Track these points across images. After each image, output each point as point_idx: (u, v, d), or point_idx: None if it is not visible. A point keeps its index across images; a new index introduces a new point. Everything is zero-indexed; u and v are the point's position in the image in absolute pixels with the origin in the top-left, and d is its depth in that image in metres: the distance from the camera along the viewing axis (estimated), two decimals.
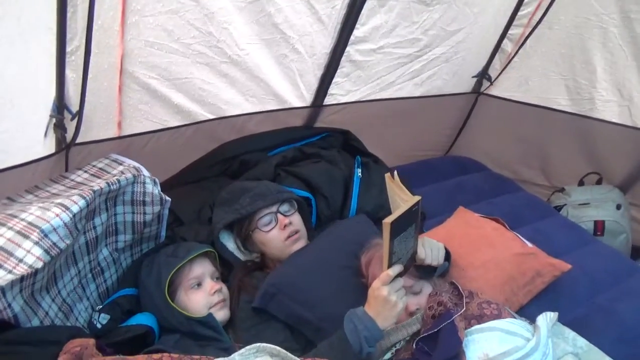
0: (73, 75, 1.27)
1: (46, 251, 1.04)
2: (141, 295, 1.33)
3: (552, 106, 2.20)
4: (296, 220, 1.50)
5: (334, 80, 1.85)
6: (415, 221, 1.15)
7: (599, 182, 2.35)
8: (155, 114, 1.56)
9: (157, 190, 1.34)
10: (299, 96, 1.84)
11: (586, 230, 2.15)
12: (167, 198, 1.37)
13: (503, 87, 2.31)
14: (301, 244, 1.47)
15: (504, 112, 2.35)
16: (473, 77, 2.27)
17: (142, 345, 1.21)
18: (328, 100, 1.92)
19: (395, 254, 1.10)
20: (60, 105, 1.30)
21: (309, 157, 1.80)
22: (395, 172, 1.25)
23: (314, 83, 1.83)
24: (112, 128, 1.50)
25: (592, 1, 1.91)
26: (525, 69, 2.19)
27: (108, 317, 1.26)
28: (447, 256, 1.37)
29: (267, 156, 1.80)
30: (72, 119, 1.34)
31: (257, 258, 1.52)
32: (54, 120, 1.31)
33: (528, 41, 2.10)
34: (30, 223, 1.06)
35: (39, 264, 1.02)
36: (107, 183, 1.23)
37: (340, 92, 1.91)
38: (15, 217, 1.08)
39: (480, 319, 1.21)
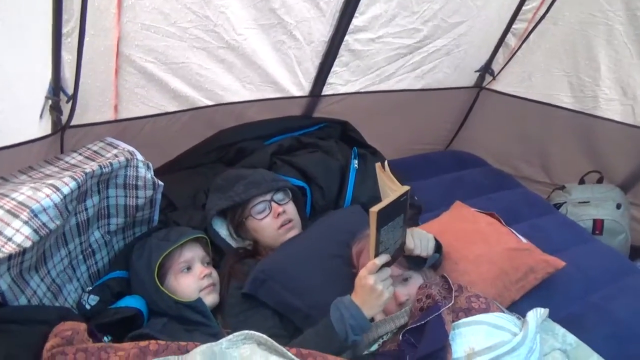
0: (69, 57, 1.27)
1: (35, 231, 1.04)
2: (131, 278, 1.34)
3: (554, 103, 2.17)
4: (290, 209, 1.49)
5: (332, 70, 1.83)
6: (404, 211, 1.15)
7: (599, 180, 2.33)
8: (151, 98, 1.56)
9: (149, 174, 1.34)
10: (296, 84, 1.83)
11: (585, 228, 2.13)
12: (160, 182, 1.37)
13: (505, 82, 2.28)
14: (294, 232, 1.47)
15: (506, 107, 2.33)
16: (476, 71, 2.25)
17: (131, 328, 1.22)
18: (327, 90, 1.91)
19: (382, 243, 1.09)
20: (56, 87, 1.30)
21: (305, 146, 1.79)
22: (386, 163, 1.24)
23: (312, 71, 1.82)
24: (109, 111, 1.50)
25: None
26: (529, 64, 2.16)
27: (97, 298, 1.27)
28: (439, 248, 1.36)
29: (263, 145, 1.80)
30: (67, 101, 1.34)
31: (249, 245, 1.52)
32: (49, 102, 1.31)
33: (532, 36, 2.08)
34: (20, 202, 1.07)
35: (28, 244, 1.02)
36: (100, 166, 1.23)
37: (339, 81, 1.90)
38: (6, 196, 1.08)
39: (468, 312, 1.21)
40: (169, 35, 1.43)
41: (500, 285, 1.51)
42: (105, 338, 1.12)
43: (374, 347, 1.22)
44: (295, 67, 1.75)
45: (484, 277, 1.50)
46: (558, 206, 2.31)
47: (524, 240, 1.66)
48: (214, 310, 1.34)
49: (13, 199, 1.07)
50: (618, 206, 2.23)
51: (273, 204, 1.46)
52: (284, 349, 0.95)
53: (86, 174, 1.19)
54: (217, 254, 1.48)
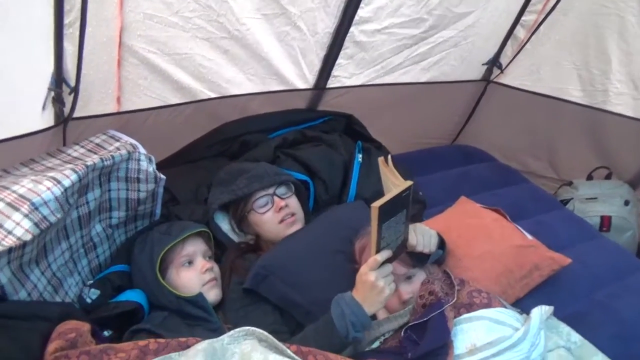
0: (71, 48, 1.26)
1: (36, 224, 1.04)
2: (133, 272, 1.33)
3: (563, 97, 2.14)
4: (293, 203, 1.48)
5: (337, 62, 1.81)
6: (406, 207, 1.13)
7: (608, 177, 2.29)
8: (154, 90, 1.55)
9: (151, 168, 1.33)
10: (301, 76, 1.80)
11: (591, 225, 2.10)
12: (162, 176, 1.36)
13: (513, 76, 2.25)
14: (297, 227, 1.45)
15: (514, 101, 2.29)
16: (483, 64, 2.21)
17: (131, 322, 1.22)
18: (332, 83, 1.88)
19: (384, 239, 1.08)
20: (58, 78, 1.29)
21: (309, 140, 1.77)
22: (389, 157, 1.22)
23: (316, 64, 1.79)
24: (111, 103, 1.49)
25: None
26: (537, 56, 2.12)
27: (98, 292, 1.26)
28: (442, 244, 1.34)
29: (267, 138, 1.78)
30: (70, 93, 1.33)
31: (251, 240, 1.51)
32: (52, 93, 1.30)
33: (541, 28, 2.03)
34: (21, 195, 1.06)
35: (28, 237, 1.02)
36: (101, 158, 1.22)
37: (344, 74, 1.87)
38: (7, 188, 1.08)
39: (470, 307, 1.20)
40: (172, 25, 1.42)
41: (504, 283, 1.50)
42: (105, 332, 1.12)
43: (376, 344, 1.21)
44: (299, 59, 1.73)
45: (488, 274, 1.49)
46: (565, 202, 2.28)
47: (529, 236, 1.64)
48: (215, 305, 1.33)
49: (14, 191, 1.07)
50: (626, 203, 2.20)
51: (275, 197, 1.45)
52: (284, 347, 0.94)
53: (87, 166, 1.18)
54: (218, 249, 1.47)
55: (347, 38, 1.73)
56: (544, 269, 1.56)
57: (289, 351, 0.93)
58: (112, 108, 1.49)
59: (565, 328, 1.39)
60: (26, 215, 1.03)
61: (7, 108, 1.19)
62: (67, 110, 1.35)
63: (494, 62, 2.20)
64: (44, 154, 1.33)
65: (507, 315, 1.21)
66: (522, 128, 2.37)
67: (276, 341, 0.95)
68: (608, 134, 2.16)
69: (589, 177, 2.32)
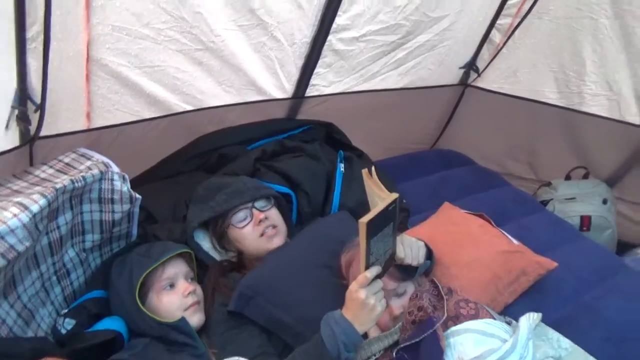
0: (36, 64, 1.19)
1: (2, 255, 0.97)
2: (111, 298, 1.26)
3: (540, 99, 2.15)
4: (273, 215, 1.44)
5: (315, 71, 1.78)
6: (393, 220, 1.10)
7: (585, 176, 2.32)
8: (126, 104, 1.48)
9: (126, 187, 1.27)
10: (279, 87, 1.76)
11: (572, 226, 2.12)
12: (137, 196, 1.30)
13: (490, 79, 2.25)
14: (279, 240, 1.41)
15: (492, 104, 2.30)
16: (460, 68, 2.21)
17: (110, 352, 1.15)
18: (310, 92, 1.85)
19: (372, 254, 1.05)
20: (22, 95, 1.22)
21: (289, 151, 1.73)
22: (373, 168, 1.19)
23: (294, 73, 1.76)
24: (80, 120, 1.42)
25: None
26: (514, 60, 2.13)
27: (73, 322, 1.19)
28: (430, 254, 1.32)
29: (246, 150, 1.73)
30: (35, 111, 1.26)
31: (233, 257, 1.45)
32: (16, 112, 1.23)
33: (517, 32, 2.04)
34: None
35: None
36: (71, 180, 1.15)
37: (323, 83, 1.84)
38: None
39: (457, 319, 1.18)
40: (143, 37, 1.36)
41: (493, 290, 1.49)
42: None
43: None
44: (277, 70, 1.69)
45: (476, 283, 1.47)
46: (545, 203, 2.30)
47: (515, 241, 1.64)
48: (199, 329, 1.28)
49: None
50: (604, 201, 2.23)
51: (254, 210, 1.40)
52: None
53: (57, 189, 1.11)
54: (200, 268, 1.41)
55: (325, 47, 1.70)
56: (531, 274, 1.55)
57: None
58: (81, 125, 1.42)
59: (554, 334, 1.38)
60: None
61: None
62: (33, 128, 1.28)
63: (471, 66, 2.21)
64: (9, 177, 1.25)
65: (494, 326, 1.20)
66: (501, 131, 2.38)
67: None
68: (584, 134, 2.19)
69: (567, 177, 2.35)
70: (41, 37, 1.14)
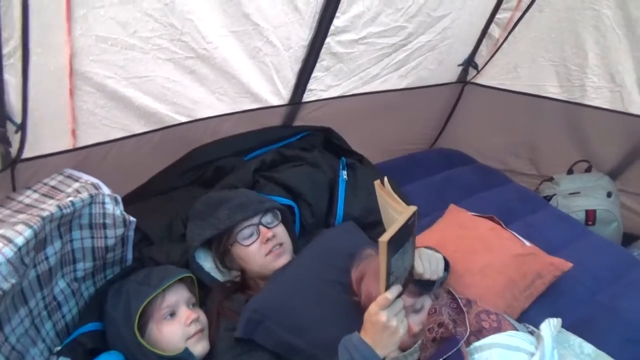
0: (14, 81, 1.09)
1: None
2: (107, 331, 1.17)
3: (541, 94, 2.10)
4: (280, 232, 1.36)
5: (313, 75, 1.69)
6: (412, 234, 1.04)
7: (588, 170, 2.28)
8: (114, 119, 1.39)
9: (118, 210, 1.18)
10: (275, 93, 1.68)
11: (579, 221, 2.09)
12: (131, 219, 1.21)
13: (490, 75, 2.20)
14: (285, 259, 1.33)
15: (492, 101, 2.25)
16: (459, 65, 2.15)
17: None
18: (307, 97, 1.77)
19: (392, 274, 0.98)
20: (1, 116, 1.12)
21: (289, 160, 1.65)
22: (386, 179, 1.12)
23: (291, 79, 1.67)
24: (66, 138, 1.32)
25: None
26: (514, 55, 2.08)
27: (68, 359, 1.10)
28: (446, 265, 1.26)
29: (243, 161, 1.65)
30: (16, 132, 1.16)
31: (236, 277, 1.37)
32: None
33: (517, 25, 1.98)
34: None
35: None
36: (59, 207, 1.06)
37: (321, 87, 1.76)
38: None
39: (479, 334, 1.13)
40: (129, 47, 1.27)
41: (509, 296, 1.43)
42: None
43: None
44: (273, 76, 1.60)
45: (492, 290, 1.42)
46: (548, 198, 2.26)
47: (527, 243, 1.59)
48: (203, 357, 1.19)
49: None
50: (609, 194, 2.20)
51: (261, 227, 1.32)
52: None
53: (44, 218, 1.02)
54: (201, 290, 1.33)
55: (323, 50, 1.61)
56: (546, 277, 1.50)
57: None
58: (67, 144, 1.33)
59: (576, 340, 1.34)
60: None
61: None
62: (14, 150, 1.18)
63: (469, 63, 2.15)
64: None
65: (519, 338, 1.14)
66: (501, 127, 2.33)
67: None
68: (587, 128, 2.15)
69: (570, 172, 2.31)
70: (19, 52, 1.05)
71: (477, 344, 1.10)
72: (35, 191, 1.19)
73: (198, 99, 1.50)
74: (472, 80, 2.26)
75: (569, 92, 2.05)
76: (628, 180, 2.25)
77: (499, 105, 2.23)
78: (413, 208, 0.99)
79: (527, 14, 1.93)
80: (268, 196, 1.46)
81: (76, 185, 1.21)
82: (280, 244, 1.33)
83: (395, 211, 1.03)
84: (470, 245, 1.52)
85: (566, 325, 1.35)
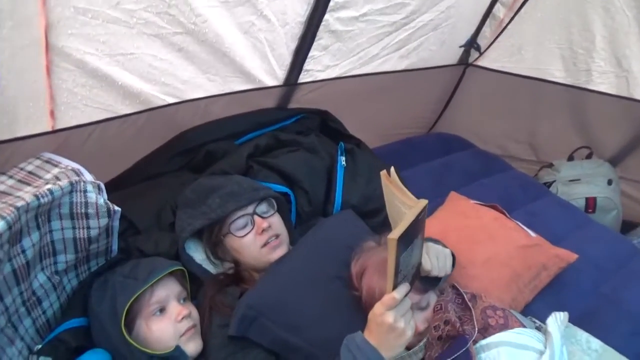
0: None
1: None
2: (92, 327, 1.09)
3: (545, 78, 2.03)
4: (276, 222, 1.28)
5: (310, 54, 1.59)
6: (422, 230, 0.97)
7: (589, 156, 2.24)
8: (96, 99, 1.28)
9: (102, 199, 1.09)
10: (269, 72, 1.58)
11: (580, 209, 2.05)
12: (116, 208, 1.12)
13: (492, 57, 2.11)
14: (282, 251, 1.25)
15: (493, 84, 2.17)
16: (460, 46, 2.05)
17: None
18: (303, 77, 1.67)
19: (400, 272, 0.91)
20: None
21: (284, 144, 1.56)
22: (392, 169, 1.04)
23: (287, 57, 1.57)
24: (44, 120, 1.22)
25: None
26: (519, 36, 1.99)
27: (49, 359, 1.02)
28: (453, 259, 1.19)
29: (235, 145, 1.55)
30: None
31: (230, 270, 1.29)
32: None
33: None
34: None
35: None
36: (36, 196, 0.96)
37: (318, 67, 1.66)
38: None
39: (485, 331, 1.08)
40: (112, 21, 1.16)
41: (514, 289, 1.38)
42: None
43: None
44: (267, 53, 1.50)
45: (496, 283, 1.37)
46: (547, 185, 2.22)
47: (532, 234, 1.53)
48: (196, 355, 1.12)
49: None
50: (609, 182, 2.16)
51: (256, 217, 1.24)
52: None
53: (18, 208, 0.93)
54: (192, 284, 1.25)
55: (321, 27, 1.51)
56: (552, 269, 1.46)
57: None
58: (45, 126, 1.22)
59: (583, 335, 1.30)
60: None
61: None
62: None
63: (472, 44, 2.06)
64: None
65: (527, 336, 1.10)
66: (502, 111, 2.26)
67: None
68: (589, 113, 2.10)
69: (570, 158, 2.27)
70: None
71: (483, 342, 1.05)
72: (10, 177, 1.09)
73: (187, 79, 1.40)
74: (474, 63, 2.17)
75: (573, 77, 1.98)
76: (628, 167, 2.21)
77: (500, 88, 2.16)
78: (424, 202, 0.92)
79: None
80: (262, 183, 1.38)
81: (55, 170, 1.11)
82: (277, 236, 1.26)
83: (404, 204, 0.96)
84: (473, 236, 1.47)
85: (571, 319, 1.30)
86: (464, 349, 0.98)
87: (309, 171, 1.48)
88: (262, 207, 1.27)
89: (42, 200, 0.98)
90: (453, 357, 0.98)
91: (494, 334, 1.07)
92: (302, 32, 1.51)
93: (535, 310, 1.39)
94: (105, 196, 1.11)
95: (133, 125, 1.39)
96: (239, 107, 1.60)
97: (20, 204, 0.94)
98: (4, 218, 0.90)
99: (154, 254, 1.24)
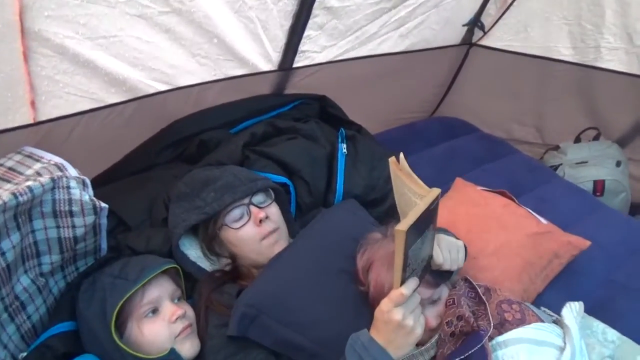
0: None
1: None
2: (81, 332, 1.02)
3: (552, 56, 1.94)
4: (274, 212, 1.20)
5: (305, 34, 1.50)
6: (433, 221, 0.90)
7: (596, 137, 2.17)
8: (80, 87, 1.20)
9: (87, 195, 1.01)
10: (263, 55, 1.49)
11: (589, 193, 1.99)
12: (103, 205, 1.04)
13: (497, 36, 2.02)
14: (282, 244, 1.18)
15: (498, 64, 2.08)
16: (464, 25, 1.96)
17: None
18: (300, 60, 1.58)
19: (409, 266, 0.85)
20: None
21: (282, 132, 1.48)
22: (402, 156, 0.97)
23: (281, 38, 1.48)
24: (24, 111, 1.14)
25: None
26: (525, 12, 1.89)
27: None
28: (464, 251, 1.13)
29: (230, 134, 1.48)
30: None
31: (227, 266, 1.22)
32: None
33: None
34: None
35: None
36: (14, 194, 0.89)
37: (314, 48, 1.57)
38: None
39: (501, 327, 1.01)
40: (92, 1, 1.07)
41: (526, 280, 1.32)
42: None
43: None
44: (260, 34, 1.41)
45: (508, 273, 1.31)
46: (554, 168, 2.16)
47: (543, 220, 1.47)
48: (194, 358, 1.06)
49: None
50: (618, 164, 2.09)
51: (252, 208, 1.17)
52: None
53: None
54: (187, 281, 1.18)
55: (316, 4, 1.42)
56: (564, 256, 1.40)
57: None
58: (25, 117, 1.14)
59: (599, 326, 1.25)
60: None
61: None
62: None
63: (475, 23, 1.96)
64: None
65: (545, 331, 1.04)
66: (507, 93, 2.18)
67: None
68: (598, 92, 2.02)
69: (577, 140, 2.20)
70: None
71: (500, 338, 0.99)
72: None
73: (176, 64, 1.31)
74: (478, 42, 2.08)
75: (582, 54, 1.90)
76: (637, 148, 2.14)
77: (505, 69, 2.07)
78: (436, 191, 0.85)
79: None
80: (260, 173, 1.30)
81: (37, 166, 1.04)
82: (276, 228, 1.18)
83: (414, 194, 0.89)
84: (483, 224, 1.41)
85: (584, 309, 1.24)
86: (479, 346, 0.91)
87: (309, 160, 1.40)
88: (259, 197, 1.19)
89: (20, 199, 0.90)
90: (467, 354, 0.91)
91: (510, 329, 1.01)
92: (296, 9, 1.41)
93: (546, 301, 1.34)
94: (91, 192, 1.04)
95: (120, 115, 1.31)
96: (233, 94, 1.52)
97: None
98: None
99: (146, 252, 1.17)
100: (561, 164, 2.15)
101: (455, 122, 2.22)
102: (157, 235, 1.21)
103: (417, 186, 0.89)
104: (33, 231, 1.00)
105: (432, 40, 1.88)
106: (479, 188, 1.59)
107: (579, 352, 1.01)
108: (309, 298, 1.07)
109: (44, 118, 1.17)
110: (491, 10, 1.94)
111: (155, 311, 1.04)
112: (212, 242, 1.21)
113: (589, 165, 2.10)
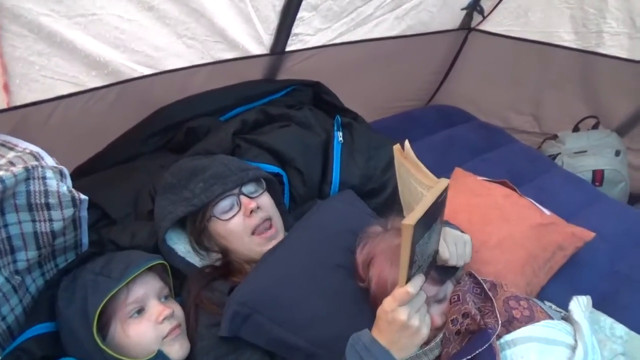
0: None
1: None
2: (61, 333, 0.95)
3: (553, 42, 1.89)
4: (266, 202, 1.13)
5: (298, 15, 1.43)
6: (441, 215, 0.84)
7: (595, 126, 2.13)
8: (57, 69, 1.12)
9: (65, 186, 0.93)
10: (255, 37, 1.41)
11: (589, 183, 1.95)
12: (82, 197, 0.97)
13: (497, 21, 1.96)
14: (276, 237, 1.11)
15: (497, 51, 2.02)
16: (462, 9, 1.89)
17: None
18: (293, 43, 1.51)
19: (415, 262, 0.79)
20: None
21: (274, 119, 1.41)
22: (407, 143, 0.90)
23: (273, 19, 1.40)
24: None
25: None
26: None
27: None
28: None
29: (219, 121, 1.40)
30: None
31: (217, 261, 1.15)
32: None
33: None
34: None
35: None
36: None
37: (308, 31, 1.50)
38: None
39: (509, 325, 0.96)
40: None
41: (529, 273, 1.28)
42: None
43: None
44: (251, 14, 1.33)
45: (512, 266, 1.26)
46: (552, 158, 2.12)
47: (546, 211, 1.42)
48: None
49: None
50: (617, 153, 2.06)
51: (242, 198, 1.10)
52: None
53: None
54: (175, 278, 1.11)
55: None
56: (568, 248, 1.36)
57: None
58: None
59: (607, 320, 1.21)
60: None
61: None
62: None
63: (474, 6, 1.89)
64: None
65: (556, 329, 0.99)
66: (505, 80, 2.12)
67: None
68: (598, 79, 1.98)
69: (576, 129, 2.16)
70: None
71: (508, 337, 0.94)
72: None
73: (161, 45, 1.23)
74: (477, 27, 2.01)
75: (583, 40, 1.84)
76: (636, 136, 2.11)
77: (504, 55, 2.02)
78: (445, 182, 0.80)
79: None
80: (251, 163, 1.23)
81: (11, 155, 0.96)
82: (268, 219, 1.12)
83: (421, 184, 0.83)
84: (485, 216, 1.36)
85: None
86: (487, 345, 0.86)
87: (303, 148, 1.34)
88: (249, 187, 1.12)
89: None
90: (474, 353, 0.86)
91: (519, 327, 0.96)
92: None
93: (550, 294, 1.30)
94: (70, 183, 0.96)
95: (102, 100, 1.23)
96: (223, 79, 1.45)
97: None
98: None
99: (131, 247, 1.10)
100: (559, 154, 2.12)
101: (452, 110, 2.16)
102: (143, 229, 1.13)
103: (424, 176, 0.83)
104: (6, 225, 0.91)
105: (429, 23, 1.81)
106: (479, 178, 1.54)
107: (591, 350, 0.96)
108: (305, 295, 1.01)
109: (18, 103, 1.09)
110: None
111: (140, 311, 0.97)
112: (201, 236, 1.14)
113: (587, 154, 2.07)
